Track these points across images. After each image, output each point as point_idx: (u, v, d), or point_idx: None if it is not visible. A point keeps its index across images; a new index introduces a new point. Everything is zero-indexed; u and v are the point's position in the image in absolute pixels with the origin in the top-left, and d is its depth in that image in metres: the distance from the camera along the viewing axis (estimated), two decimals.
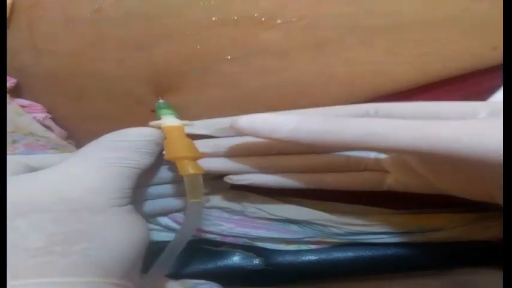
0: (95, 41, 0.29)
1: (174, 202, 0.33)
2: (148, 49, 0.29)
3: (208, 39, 0.28)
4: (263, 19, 0.28)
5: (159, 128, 0.29)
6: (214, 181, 0.33)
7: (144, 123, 0.31)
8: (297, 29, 0.28)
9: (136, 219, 0.27)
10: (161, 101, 0.31)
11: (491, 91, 0.26)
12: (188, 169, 0.28)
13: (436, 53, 0.28)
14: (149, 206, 0.32)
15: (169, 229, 0.35)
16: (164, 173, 0.32)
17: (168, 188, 0.32)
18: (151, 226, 0.35)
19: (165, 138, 0.29)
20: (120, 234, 0.25)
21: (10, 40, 0.30)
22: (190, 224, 0.29)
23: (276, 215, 0.33)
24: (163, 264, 0.30)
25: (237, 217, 0.34)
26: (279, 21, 0.28)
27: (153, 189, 0.32)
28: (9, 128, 0.31)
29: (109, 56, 0.29)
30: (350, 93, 0.29)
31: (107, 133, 0.30)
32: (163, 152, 0.29)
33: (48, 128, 0.32)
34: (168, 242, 0.33)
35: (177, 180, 0.32)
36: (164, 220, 0.34)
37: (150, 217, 0.34)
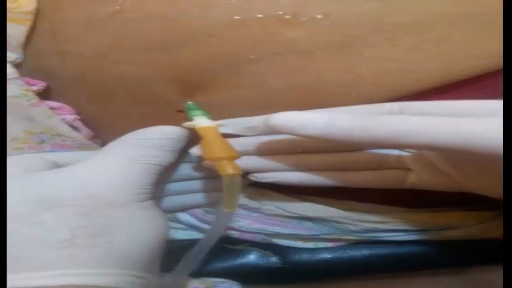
0: (117, 42, 0.28)
1: (195, 198, 0.33)
2: (172, 50, 0.28)
3: (232, 39, 0.27)
4: (287, 17, 0.27)
5: (193, 129, 0.29)
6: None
7: (170, 124, 0.30)
8: (321, 27, 0.27)
9: (157, 214, 0.27)
10: (190, 102, 0.30)
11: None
12: (228, 169, 0.27)
13: (461, 50, 0.28)
14: (169, 201, 0.32)
15: (190, 226, 0.34)
16: (185, 170, 0.32)
17: (189, 185, 0.32)
18: (171, 224, 0.35)
19: (201, 138, 0.29)
20: (142, 228, 0.25)
21: (37, 44, 0.30)
22: (220, 228, 0.29)
23: (292, 212, 0.33)
24: (188, 265, 0.30)
25: (254, 214, 0.34)
26: (303, 19, 0.27)
27: (173, 186, 0.32)
28: (39, 128, 0.31)
29: (133, 58, 0.29)
30: (374, 93, 0.28)
31: None
32: (192, 151, 0.29)
33: (76, 128, 0.32)
34: (188, 240, 0.34)
35: (199, 177, 0.32)
36: (185, 217, 0.34)
37: (169, 212, 0.34)
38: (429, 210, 0.33)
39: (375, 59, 0.27)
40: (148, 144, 0.27)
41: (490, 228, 0.33)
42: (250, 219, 0.34)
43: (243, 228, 0.34)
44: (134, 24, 0.28)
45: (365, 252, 0.35)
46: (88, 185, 0.25)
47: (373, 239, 0.34)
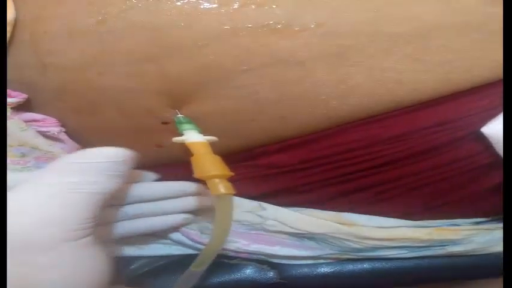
0: (100, 54, 0.28)
1: (156, 221, 0.31)
2: (158, 61, 0.28)
3: (221, 50, 0.27)
4: (279, 27, 0.26)
5: (183, 143, 0.29)
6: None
7: (157, 136, 0.31)
8: (315, 37, 0.27)
9: (96, 253, 0.24)
10: (180, 115, 0.30)
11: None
12: (219, 189, 0.27)
13: (460, 60, 0.28)
14: (124, 227, 0.30)
15: (182, 245, 0.34)
16: (143, 190, 0.30)
17: (148, 207, 0.30)
18: (162, 240, 0.34)
19: (191, 155, 0.28)
20: (74, 274, 0.22)
21: (16, 56, 0.29)
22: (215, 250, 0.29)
23: (295, 228, 0.32)
24: (185, 283, 0.29)
25: (253, 232, 0.33)
26: (296, 28, 0.27)
27: (129, 209, 0.29)
28: (15, 142, 0.31)
29: (117, 69, 0.28)
30: (370, 104, 0.28)
31: (120, 145, 0.28)
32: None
33: (61, 141, 0.32)
34: (180, 255, 0.34)
35: (159, 197, 0.30)
36: (177, 237, 0.33)
37: (124, 238, 0.31)
38: (432, 226, 0.34)
39: (371, 69, 0.27)
40: (87, 169, 0.23)
41: (493, 242, 0.33)
42: (248, 239, 0.33)
43: (240, 250, 0.33)
44: (119, 35, 0.27)
45: (365, 266, 0.35)
46: (9, 223, 0.21)
47: (375, 257, 0.34)
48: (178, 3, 0.27)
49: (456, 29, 0.27)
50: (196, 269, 0.29)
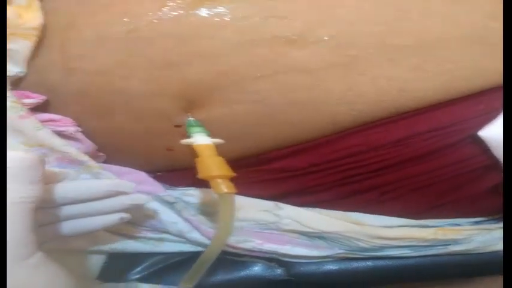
0: (124, 59, 0.29)
1: (97, 220, 0.30)
2: (178, 67, 0.29)
3: (240, 58, 0.29)
4: (294, 38, 0.28)
5: (191, 145, 0.30)
6: None
7: (168, 139, 0.32)
8: (327, 48, 0.29)
9: (49, 272, 0.22)
10: (191, 118, 0.31)
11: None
12: (222, 188, 0.28)
13: (460, 70, 0.30)
14: (71, 226, 0.29)
15: (201, 244, 0.35)
16: (72, 190, 0.29)
17: (89, 206, 0.29)
18: (166, 237, 0.35)
19: (197, 156, 0.30)
20: None
21: (41, 59, 0.31)
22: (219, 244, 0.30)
23: (308, 227, 0.34)
24: (191, 277, 0.31)
25: (267, 231, 0.35)
26: (310, 40, 0.28)
27: (65, 210, 0.29)
28: (33, 141, 0.31)
29: (139, 74, 0.30)
30: (375, 111, 0.30)
31: (134, 147, 0.31)
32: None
33: (78, 140, 0.33)
34: (193, 252, 0.35)
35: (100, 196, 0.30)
36: (194, 235, 0.35)
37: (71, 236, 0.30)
38: (436, 226, 0.35)
39: (376, 78, 0.29)
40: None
41: (493, 241, 0.35)
42: (262, 238, 0.35)
43: (255, 249, 0.35)
44: (146, 43, 0.29)
45: (369, 264, 0.36)
46: None
47: (381, 255, 0.35)
48: (205, 15, 0.29)
49: (458, 41, 0.29)
50: (202, 265, 0.31)
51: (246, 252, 0.35)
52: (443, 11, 0.30)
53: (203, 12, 0.29)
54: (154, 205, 0.34)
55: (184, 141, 0.31)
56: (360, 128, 0.31)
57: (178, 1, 0.29)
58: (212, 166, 0.29)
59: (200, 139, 0.30)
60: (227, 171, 0.30)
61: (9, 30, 0.29)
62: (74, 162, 0.32)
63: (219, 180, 0.29)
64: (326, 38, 0.28)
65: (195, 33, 0.29)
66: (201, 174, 0.29)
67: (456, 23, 0.29)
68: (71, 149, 0.32)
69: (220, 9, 0.29)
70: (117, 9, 0.29)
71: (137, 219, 0.34)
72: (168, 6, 0.29)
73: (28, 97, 0.31)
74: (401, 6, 0.29)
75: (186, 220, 0.34)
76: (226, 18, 0.29)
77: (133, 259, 0.36)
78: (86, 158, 0.32)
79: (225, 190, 0.28)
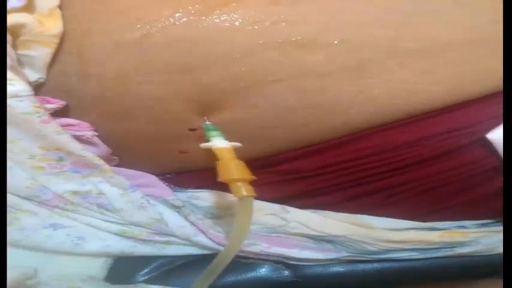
0: (141, 64, 0.31)
1: None
2: (194, 72, 0.30)
3: (253, 62, 0.30)
4: (306, 42, 0.29)
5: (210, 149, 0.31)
6: None
7: (182, 142, 0.33)
8: (338, 52, 0.30)
9: None
10: (208, 122, 0.32)
11: None
12: (241, 191, 0.29)
13: (470, 73, 0.30)
14: None
15: (207, 248, 0.36)
16: None
17: None
18: (175, 240, 0.36)
19: (216, 160, 0.31)
20: None
21: (61, 65, 0.32)
22: (235, 246, 0.31)
23: (317, 230, 0.35)
24: (203, 281, 0.31)
25: (274, 234, 0.35)
26: (321, 44, 0.29)
27: None
28: (52, 145, 0.32)
29: (155, 79, 0.31)
30: (386, 113, 0.31)
31: (148, 150, 0.31)
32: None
33: (95, 145, 0.34)
34: (200, 254, 0.36)
35: None
36: (200, 239, 0.35)
37: None
38: (443, 229, 0.36)
39: (388, 81, 0.30)
40: None
41: (499, 243, 0.36)
42: (269, 242, 0.36)
43: (262, 252, 0.35)
44: (160, 48, 0.30)
45: (376, 266, 0.37)
46: None
47: (388, 258, 0.36)
48: (217, 20, 0.30)
49: (466, 45, 0.30)
50: (216, 268, 0.32)
51: (253, 255, 0.36)
52: (450, 16, 0.31)
53: (214, 17, 0.30)
54: (161, 209, 0.35)
55: (204, 144, 0.32)
56: (372, 130, 0.32)
57: (189, 8, 0.30)
58: (233, 169, 0.30)
59: (219, 143, 0.32)
60: (248, 174, 0.31)
61: (31, 38, 0.30)
62: (89, 165, 0.33)
63: (239, 184, 0.30)
64: (336, 42, 0.29)
65: (208, 38, 0.30)
66: (222, 177, 0.30)
67: (463, 27, 0.30)
68: (88, 153, 0.33)
69: (231, 15, 0.30)
70: (131, 16, 0.30)
71: (144, 223, 0.35)
72: (179, 12, 0.30)
73: (48, 102, 0.32)
74: (408, 12, 0.30)
75: (193, 224, 0.35)
76: (237, 23, 0.30)
77: (140, 261, 0.37)
78: (101, 162, 0.33)
79: (245, 193, 0.29)
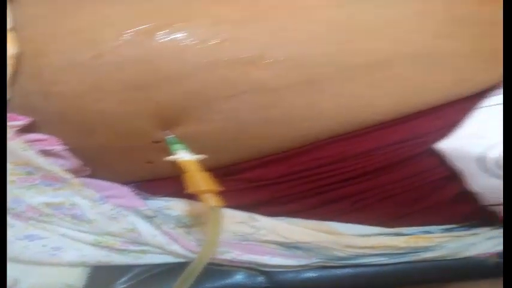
0: (96, 83, 0.31)
1: None
2: (149, 89, 0.31)
3: (205, 79, 0.31)
4: (253, 59, 0.30)
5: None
6: None
7: (148, 153, 0.34)
8: (285, 68, 0.31)
9: None
10: (171, 136, 0.33)
11: (457, 122, 0.31)
12: (211, 202, 0.31)
13: (414, 86, 0.32)
14: None
15: (181, 256, 0.36)
16: None
17: None
18: (150, 249, 0.37)
19: (183, 172, 0.32)
20: None
21: (22, 85, 0.33)
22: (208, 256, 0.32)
23: (285, 237, 0.36)
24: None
25: (244, 242, 0.36)
26: (268, 61, 0.30)
27: None
28: (19, 160, 0.33)
29: (111, 97, 0.32)
30: (337, 126, 0.32)
31: (116, 162, 0.32)
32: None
33: (64, 158, 0.35)
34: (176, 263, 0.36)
35: None
36: (174, 248, 0.36)
37: None
38: (408, 234, 0.37)
39: (337, 95, 0.32)
40: None
41: (463, 248, 0.37)
42: (241, 249, 0.37)
43: (235, 260, 0.36)
44: (113, 67, 0.31)
45: (349, 270, 0.38)
46: None
47: (358, 263, 0.37)
48: (165, 40, 0.31)
49: (409, 59, 0.32)
50: (189, 276, 0.32)
51: (227, 263, 0.37)
52: (391, 31, 0.32)
53: (160, 37, 0.31)
54: (133, 219, 0.36)
55: (169, 158, 0.33)
56: (328, 140, 0.33)
57: (136, 28, 0.31)
58: (200, 181, 0.32)
59: (184, 155, 0.33)
60: (214, 185, 0.32)
61: None
62: (58, 179, 0.34)
63: (208, 195, 0.31)
64: (282, 59, 0.31)
65: (159, 56, 0.31)
66: (191, 189, 0.32)
67: (404, 42, 0.32)
68: (55, 167, 0.34)
69: (178, 35, 0.31)
70: (81, 36, 0.31)
71: (118, 233, 0.35)
72: (127, 33, 0.31)
73: (15, 119, 0.33)
74: (350, 28, 0.32)
75: (165, 233, 0.36)
76: (184, 43, 0.30)
77: (118, 269, 0.38)
78: (68, 176, 0.34)
79: (214, 204, 0.31)
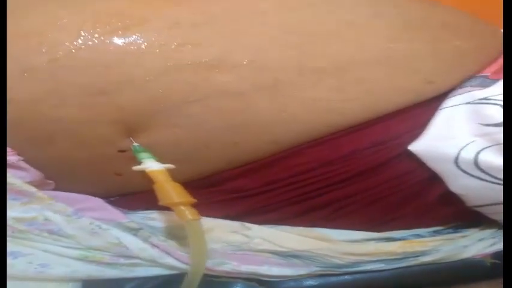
0: (54, 88, 0.30)
1: None
2: (111, 94, 0.30)
3: (168, 84, 0.30)
4: (215, 63, 0.30)
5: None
6: None
7: (115, 164, 0.33)
8: (247, 72, 0.30)
9: None
10: (136, 144, 0.32)
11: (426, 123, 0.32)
12: (186, 215, 0.29)
13: (378, 90, 0.32)
14: None
15: (175, 268, 0.34)
16: None
17: None
18: (141, 262, 0.34)
19: (152, 182, 0.31)
20: None
21: None
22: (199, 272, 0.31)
23: (281, 246, 0.35)
24: None
25: (239, 252, 0.35)
26: (230, 64, 0.30)
27: None
28: None
29: (70, 102, 0.30)
30: (309, 131, 0.32)
31: (81, 174, 0.32)
32: None
33: (22, 170, 0.32)
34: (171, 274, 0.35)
35: None
36: (168, 260, 0.34)
37: None
38: (402, 239, 0.37)
39: (303, 99, 0.31)
40: None
41: (458, 250, 0.37)
42: (238, 260, 0.35)
43: (233, 271, 0.35)
44: (71, 71, 0.30)
45: (347, 278, 0.37)
46: None
47: (357, 270, 0.36)
48: (122, 43, 0.29)
49: (367, 63, 0.32)
50: None
51: (224, 274, 0.35)
52: (348, 36, 0.32)
53: (118, 40, 0.30)
54: (116, 233, 0.33)
55: (136, 167, 0.32)
56: (304, 146, 0.33)
57: (91, 31, 0.29)
58: (171, 192, 0.30)
59: (151, 165, 0.31)
60: (187, 196, 0.31)
61: None
62: (22, 193, 0.32)
63: (182, 208, 0.30)
64: (245, 63, 0.30)
65: (118, 60, 0.30)
66: (162, 201, 0.31)
67: (361, 45, 0.32)
68: (16, 180, 0.31)
69: (134, 37, 0.30)
70: (34, 40, 0.30)
71: (103, 247, 0.33)
72: (82, 35, 0.29)
73: None
74: (306, 31, 0.31)
75: (155, 246, 0.34)
76: (143, 46, 0.30)
77: (111, 283, 0.35)
78: (33, 189, 0.32)
79: (190, 217, 0.30)
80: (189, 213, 0.29)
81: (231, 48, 0.30)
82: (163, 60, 0.30)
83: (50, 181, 0.34)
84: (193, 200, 0.30)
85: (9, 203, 0.32)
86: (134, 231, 0.33)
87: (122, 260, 0.34)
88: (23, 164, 0.32)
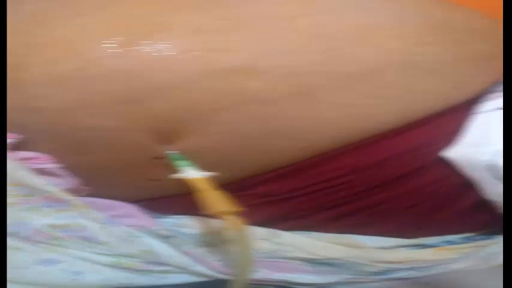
0: (85, 97, 0.30)
1: None
2: (142, 102, 0.30)
3: (197, 91, 0.30)
4: (244, 69, 0.30)
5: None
6: None
7: (150, 170, 0.33)
8: (279, 78, 0.30)
9: None
10: (173, 151, 0.32)
11: (459, 129, 0.32)
12: (235, 225, 0.29)
13: (408, 94, 0.32)
14: None
15: (206, 276, 0.35)
16: None
17: None
18: (173, 268, 0.34)
19: (193, 190, 0.30)
20: None
21: (8, 101, 0.31)
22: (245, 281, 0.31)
23: (314, 253, 0.34)
24: None
25: (270, 260, 0.35)
26: (259, 70, 0.30)
27: None
28: (16, 181, 0.31)
29: (104, 110, 0.30)
30: (340, 136, 0.32)
31: (116, 180, 0.32)
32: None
33: (59, 177, 0.33)
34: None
35: None
36: (199, 269, 0.34)
37: None
38: (433, 246, 0.37)
39: (334, 105, 0.31)
40: None
41: (492, 256, 0.36)
42: (269, 268, 0.35)
43: (265, 279, 0.35)
44: (100, 79, 0.30)
45: (376, 285, 0.36)
46: None
47: (389, 278, 0.36)
48: (146, 51, 0.29)
49: (396, 67, 0.31)
50: None
51: (255, 282, 0.35)
52: (375, 40, 0.31)
53: (143, 48, 0.29)
54: (148, 240, 0.33)
55: (175, 175, 0.32)
56: (336, 151, 0.33)
57: (115, 39, 0.29)
58: (217, 201, 0.30)
59: (192, 173, 0.31)
60: (233, 205, 0.30)
61: None
62: (58, 200, 0.32)
63: (230, 217, 0.30)
64: (274, 68, 0.30)
65: (143, 68, 0.30)
66: (209, 210, 0.30)
67: (387, 50, 0.31)
68: (52, 188, 0.32)
69: (160, 45, 0.30)
70: (60, 47, 0.30)
71: (136, 254, 0.33)
72: (106, 43, 0.30)
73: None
74: (333, 36, 0.31)
75: (186, 254, 0.34)
76: (169, 53, 0.30)
77: None
78: (69, 197, 0.32)
79: (239, 226, 0.30)
80: (237, 222, 0.29)
81: (258, 53, 0.30)
82: (190, 66, 0.30)
83: (85, 187, 0.35)
84: (240, 208, 0.30)
85: (44, 210, 0.32)
86: (165, 238, 0.34)
87: (153, 267, 0.34)
88: (61, 172, 0.33)
